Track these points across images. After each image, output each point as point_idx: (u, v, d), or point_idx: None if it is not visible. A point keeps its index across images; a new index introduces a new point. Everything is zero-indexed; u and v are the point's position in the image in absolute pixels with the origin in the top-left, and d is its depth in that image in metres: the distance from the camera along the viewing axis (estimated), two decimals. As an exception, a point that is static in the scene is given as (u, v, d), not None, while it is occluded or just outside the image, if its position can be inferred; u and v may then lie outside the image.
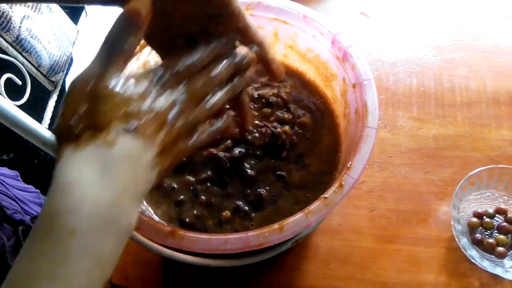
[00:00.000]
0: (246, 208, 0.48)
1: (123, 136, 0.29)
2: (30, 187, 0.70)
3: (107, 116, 0.29)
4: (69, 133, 0.28)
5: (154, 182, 0.31)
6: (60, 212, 0.27)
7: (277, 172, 0.50)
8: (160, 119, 0.31)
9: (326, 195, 0.38)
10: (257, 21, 0.54)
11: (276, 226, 0.37)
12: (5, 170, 0.67)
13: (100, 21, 1.19)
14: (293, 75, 0.58)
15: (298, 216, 0.37)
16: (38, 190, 0.72)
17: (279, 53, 0.58)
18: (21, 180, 0.70)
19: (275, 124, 0.53)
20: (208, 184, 0.50)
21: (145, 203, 0.49)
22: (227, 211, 0.48)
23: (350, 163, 0.40)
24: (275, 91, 0.55)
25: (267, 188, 0.49)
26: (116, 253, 0.29)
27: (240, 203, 0.48)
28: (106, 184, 0.28)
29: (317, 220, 0.37)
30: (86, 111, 0.29)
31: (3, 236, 0.52)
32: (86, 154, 0.28)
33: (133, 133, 0.29)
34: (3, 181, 0.58)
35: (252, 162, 0.51)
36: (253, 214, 0.48)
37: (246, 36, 0.39)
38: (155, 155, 0.30)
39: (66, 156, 0.28)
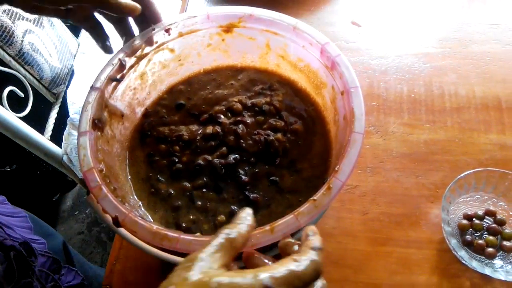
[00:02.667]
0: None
1: None
2: (19, 211, 0.72)
3: None
4: None
5: None
6: None
7: (271, 178, 0.52)
8: None
9: (315, 197, 0.40)
10: (249, 33, 0.56)
11: (267, 227, 0.39)
12: None
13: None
14: (285, 83, 0.60)
15: (288, 217, 0.39)
16: (26, 215, 0.73)
17: (271, 63, 0.60)
18: (9, 203, 0.71)
19: (268, 131, 0.54)
20: (204, 190, 0.52)
21: (143, 209, 0.51)
22: (222, 216, 0.50)
23: (338, 166, 0.41)
24: (268, 99, 0.57)
25: (261, 193, 0.51)
26: None
27: (234, 207, 0.50)
28: None
29: (306, 222, 0.39)
30: None
31: None
32: None
33: None
34: None
35: (246, 168, 0.53)
36: None
37: None
38: None
39: None
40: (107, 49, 0.52)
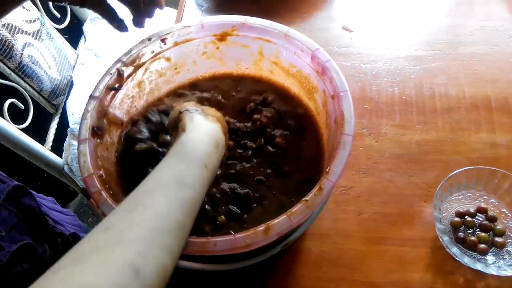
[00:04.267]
0: (239, 211, 0.51)
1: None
2: (67, 210, 0.75)
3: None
4: None
5: None
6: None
7: (259, 177, 0.54)
8: None
9: (306, 198, 0.41)
10: (243, 41, 0.58)
11: (261, 228, 0.40)
12: (42, 195, 0.72)
13: (98, 45, 1.24)
14: (279, 93, 0.61)
15: (281, 218, 0.40)
16: (75, 214, 0.76)
17: (265, 69, 0.62)
18: (58, 204, 0.74)
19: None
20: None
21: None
22: (222, 216, 0.51)
23: (328, 168, 0.43)
24: (258, 116, 0.59)
25: (256, 194, 0.52)
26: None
27: (233, 207, 0.51)
28: None
29: (299, 221, 0.41)
30: None
31: (45, 244, 0.55)
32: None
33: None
34: (43, 204, 0.62)
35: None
36: (245, 216, 0.51)
37: None
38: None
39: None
40: (122, 27, 0.52)
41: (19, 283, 0.49)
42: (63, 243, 0.58)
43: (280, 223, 0.40)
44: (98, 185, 0.44)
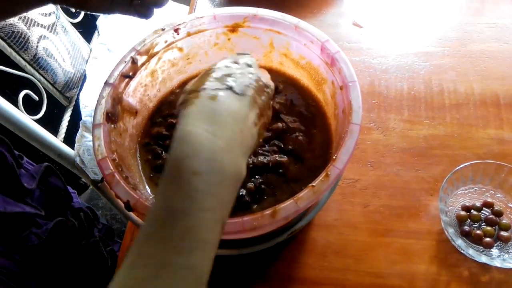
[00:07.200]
0: (249, 199, 0.52)
1: (222, 92, 0.36)
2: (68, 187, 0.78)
3: (203, 81, 0.37)
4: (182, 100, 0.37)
5: (256, 143, 0.38)
6: (183, 157, 0.31)
7: (279, 170, 0.55)
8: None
9: (313, 184, 0.42)
10: (254, 32, 0.59)
11: (269, 211, 0.41)
12: None
13: (112, 39, 1.26)
14: (289, 83, 0.62)
15: (289, 202, 0.41)
16: (75, 191, 0.78)
17: (275, 61, 0.63)
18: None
19: (275, 156, 0.56)
20: None
21: (153, 196, 0.53)
22: None
23: (335, 155, 0.44)
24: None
25: (271, 186, 0.53)
26: (231, 198, 0.33)
27: (242, 192, 0.52)
28: (216, 131, 0.33)
29: (305, 206, 0.41)
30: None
31: (71, 218, 0.58)
32: (194, 108, 0.34)
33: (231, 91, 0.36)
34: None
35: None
36: (254, 206, 0.52)
37: None
38: (256, 115, 0.37)
39: (181, 114, 0.35)
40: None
41: (56, 256, 0.50)
42: (85, 216, 0.60)
43: (287, 207, 0.41)
44: (112, 168, 0.45)
